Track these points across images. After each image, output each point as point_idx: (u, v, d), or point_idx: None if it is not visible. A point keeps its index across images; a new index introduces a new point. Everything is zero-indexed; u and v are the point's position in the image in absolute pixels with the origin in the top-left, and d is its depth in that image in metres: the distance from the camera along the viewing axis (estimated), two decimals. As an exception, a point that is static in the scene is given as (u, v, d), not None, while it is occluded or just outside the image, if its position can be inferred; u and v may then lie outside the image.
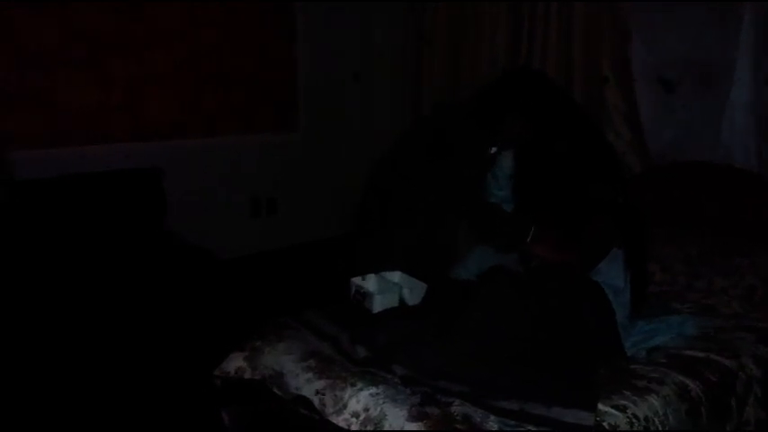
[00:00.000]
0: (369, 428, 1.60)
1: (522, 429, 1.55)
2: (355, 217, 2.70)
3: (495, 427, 1.55)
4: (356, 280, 2.25)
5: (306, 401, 1.76)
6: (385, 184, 2.55)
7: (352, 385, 1.72)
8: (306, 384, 1.80)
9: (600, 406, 1.66)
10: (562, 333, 1.88)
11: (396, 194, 2.47)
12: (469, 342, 1.86)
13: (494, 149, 2.40)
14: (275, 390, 1.86)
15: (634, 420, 1.66)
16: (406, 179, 2.43)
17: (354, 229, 2.72)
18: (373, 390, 1.69)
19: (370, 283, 2.27)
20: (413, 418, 1.57)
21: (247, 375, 1.94)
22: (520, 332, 1.86)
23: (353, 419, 1.64)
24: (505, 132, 2.34)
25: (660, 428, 1.70)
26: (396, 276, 2.30)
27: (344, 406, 1.68)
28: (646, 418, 1.69)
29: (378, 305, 2.14)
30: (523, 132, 2.27)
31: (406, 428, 1.55)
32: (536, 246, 2.17)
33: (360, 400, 1.67)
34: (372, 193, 2.63)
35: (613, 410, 1.67)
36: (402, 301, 2.20)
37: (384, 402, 1.64)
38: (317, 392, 1.76)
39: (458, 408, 1.61)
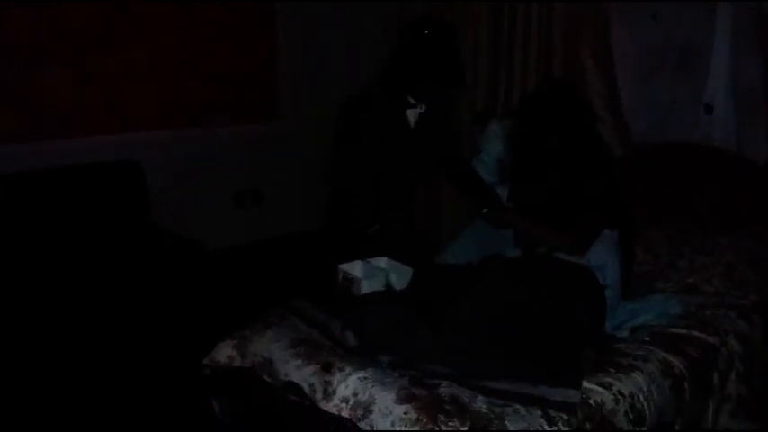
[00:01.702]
0: (359, 413, 1.61)
1: (510, 408, 1.57)
2: (329, 214, 2.67)
3: (484, 406, 1.57)
4: (343, 266, 2.26)
5: (296, 388, 1.77)
6: (345, 180, 2.54)
7: (341, 370, 1.73)
8: (295, 371, 1.80)
9: (585, 383, 1.69)
10: (554, 331, 1.90)
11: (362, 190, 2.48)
12: (460, 337, 1.87)
13: (420, 108, 2.42)
14: (265, 377, 1.87)
15: (619, 397, 1.70)
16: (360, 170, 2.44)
17: (331, 223, 2.68)
18: (361, 374, 1.70)
19: (356, 268, 2.28)
20: (401, 400, 1.58)
21: (237, 363, 1.94)
22: (510, 327, 1.88)
23: (343, 405, 1.65)
24: (421, 89, 2.36)
25: (645, 404, 1.74)
26: (382, 262, 2.31)
27: (334, 392, 1.69)
28: (630, 395, 1.72)
29: (365, 290, 2.15)
30: (434, 84, 2.30)
31: (395, 411, 1.56)
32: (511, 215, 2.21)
33: (348, 386, 1.68)
34: (337, 191, 2.61)
35: (599, 388, 1.70)
36: (389, 286, 2.21)
37: (372, 386, 1.65)
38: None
39: (445, 389, 1.63)
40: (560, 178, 2.15)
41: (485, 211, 2.27)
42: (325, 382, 1.72)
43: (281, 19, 4.17)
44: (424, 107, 2.42)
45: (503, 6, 3.53)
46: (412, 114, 2.42)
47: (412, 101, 2.39)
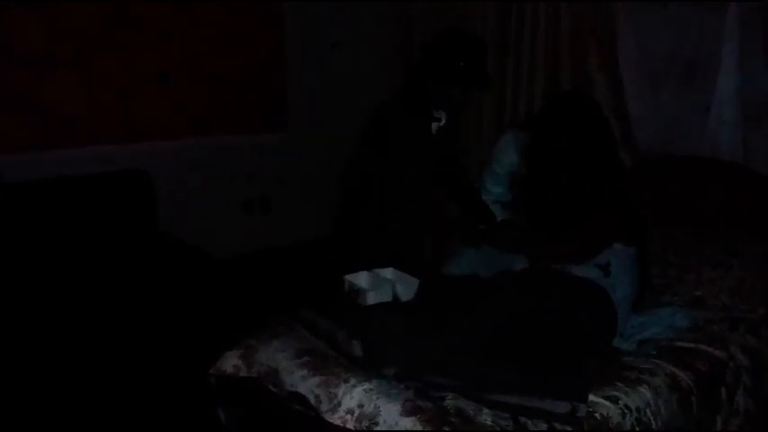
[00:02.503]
0: (364, 425, 1.61)
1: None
2: (337, 216, 2.70)
3: (489, 419, 1.57)
4: (349, 277, 2.26)
5: (301, 398, 1.77)
6: (354, 184, 2.58)
7: (346, 381, 1.73)
8: (301, 381, 1.80)
9: (592, 397, 1.68)
10: (557, 340, 1.89)
11: (375, 194, 2.50)
12: (462, 342, 1.87)
13: (441, 121, 2.44)
14: (270, 387, 1.87)
15: (626, 411, 1.69)
16: (372, 176, 2.47)
17: (337, 226, 2.72)
18: (366, 385, 1.70)
19: (362, 279, 2.28)
20: (407, 412, 1.58)
21: (243, 373, 1.95)
22: (513, 334, 1.88)
23: (348, 416, 1.65)
24: (441, 97, 2.39)
25: (651, 419, 1.73)
26: (388, 273, 2.31)
27: (339, 403, 1.69)
28: (637, 409, 1.71)
29: (371, 301, 2.15)
30: (456, 92, 2.36)
31: (401, 423, 1.56)
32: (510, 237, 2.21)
33: (354, 397, 1.68)
34: (348, 193, 2.64)
35: (605, 401, 1.69)
36: (395, 297, 2.21)
37: (378, 398, 1.65)
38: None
39: (451, 401, 1.63)
40: (567, 178, 2.15)
41: (482, 227, 2.29)
42: (331, 393, 1.72)
43: (289, 22, 4.18)
44: (444, 119, 2.45)
45: (510, 7, 3.53)
46: (434, 127, 2.45)
47: (436, 114, 2.42)
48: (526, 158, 2.32)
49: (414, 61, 2.51)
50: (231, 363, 1.98)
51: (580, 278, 2.10)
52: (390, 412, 1.59)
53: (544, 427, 1.56)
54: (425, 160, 2.49)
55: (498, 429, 1.54)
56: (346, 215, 2.59)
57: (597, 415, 1.64)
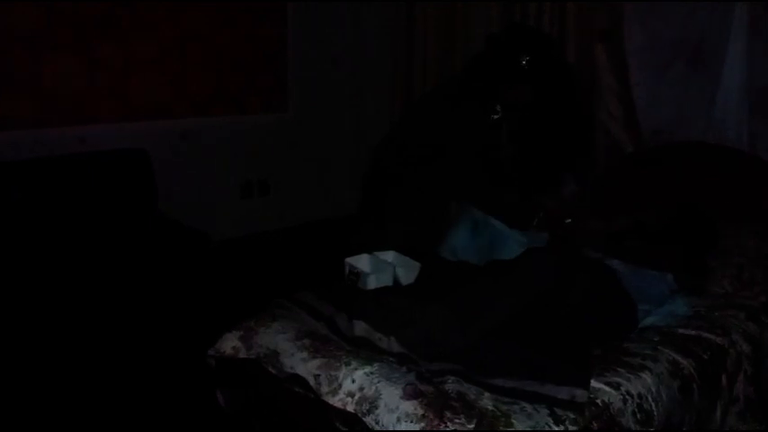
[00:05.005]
0: (364, 408, 1.61)
1: (517, 406, 1.56)
2: (359, 202, 2.68)
3: (490, 404, 1.56)
4: (350, 260, 2.25)
5: (301, 380, 1.77)
6: (385, 171, 2.55)
7: (347, 365, 1.72)
8: (301, 364, 1.80)
9: (593, 383, 1.67)
10: (559, 330, 1.88)
11: (394, 184, 2.48)
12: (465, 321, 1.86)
13: (497, 115, 2.43)
14: (270, 369, 1.86)
15: (627, 397, 1.68)
16: (408, 167, 2.44)
17: (356, 213, 2.70)
18: (368, 369, 1.69)
19: (363, 262, 2.27)
20: (407, 396, 1.57)
21: (242, 355, 1.94)
22: (533, 316, 1.88)
23: (349, 399, 1.65)
24: (507, 97, 2.36)
25: (653, 405, 1.72)
26: (389, 256, 2.30)
27: (339, 386, 1.68)
28: (639, 395, 1.70)
29: (372, 284, 2.14)
30: (523, 96, 2.31)
31: (401, 407, 1.56)
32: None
33: (355, 380, 1.67)
34: (372, 180, 2.62)
35: (607, 387, 1.68)
36: (396, 280, 2.20)
37: (379, 381, 1.65)
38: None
39: (452, 385, 1.62)
40: (541, 156, 2.17)
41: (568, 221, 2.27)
42: (331, 375, 1.71)
43: (290, 11, 4.14)
44: (499, 114, 2.43)
45: (514, 6, 3.50)
46: (491, 121, 2.45)
47: (498, 108, 2.40)
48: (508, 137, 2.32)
49: (477, 54, 2.44)
50: (230, 344, 1.97)
51: (598, 268, 2.07)
52: (391, 396, 1.59)
53: (546, 412, 1.55)
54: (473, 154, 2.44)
55: (499, 414, 1.53)
56: (377, 200, 2.56)
57: (599, 401, 1.63)
